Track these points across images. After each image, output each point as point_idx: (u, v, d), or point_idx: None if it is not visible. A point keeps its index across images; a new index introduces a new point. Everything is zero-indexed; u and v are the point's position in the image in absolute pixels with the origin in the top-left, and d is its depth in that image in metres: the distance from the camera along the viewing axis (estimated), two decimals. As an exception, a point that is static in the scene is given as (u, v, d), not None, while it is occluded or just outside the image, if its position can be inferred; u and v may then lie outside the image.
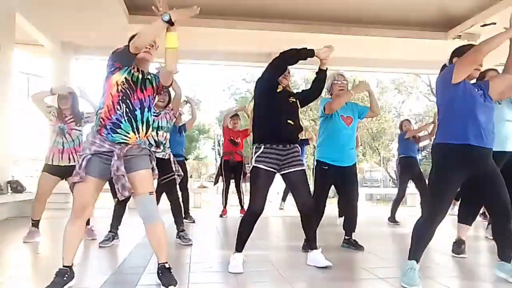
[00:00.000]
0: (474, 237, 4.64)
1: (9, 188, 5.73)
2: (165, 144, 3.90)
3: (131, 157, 2.41)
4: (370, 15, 6.84)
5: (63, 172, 4.00)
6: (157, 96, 2.61)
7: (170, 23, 2.25)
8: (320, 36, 7.31)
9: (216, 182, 6.92)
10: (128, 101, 2.36)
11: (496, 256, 2.68)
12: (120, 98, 2.35)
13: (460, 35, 6.97)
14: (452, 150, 2.52)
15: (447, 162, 2.55)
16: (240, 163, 6.38)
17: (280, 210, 7.50)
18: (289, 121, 2.97)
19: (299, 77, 23.42)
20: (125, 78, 2.37)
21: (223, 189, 6.61)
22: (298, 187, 3.00)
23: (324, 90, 3.63)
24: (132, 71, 2.41)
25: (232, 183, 6.59)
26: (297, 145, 3.08)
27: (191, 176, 11.05)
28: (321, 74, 3.23)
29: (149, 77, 2.49)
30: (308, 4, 6.52)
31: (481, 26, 6.54)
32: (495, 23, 6.40)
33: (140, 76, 2.43)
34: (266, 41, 7.69)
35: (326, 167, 3.62)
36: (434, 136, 2.90)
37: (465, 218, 3.51)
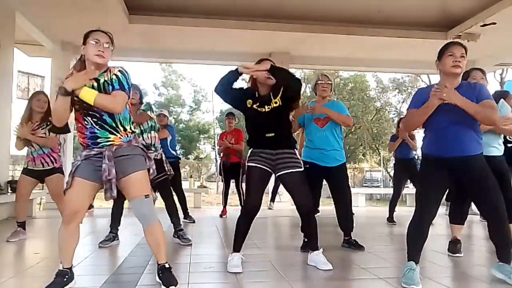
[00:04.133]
0: (473, 237, 4.65)
1: (9, 188, 5.74)
2: (155, 145, 3.86)
3: (124, 158, 2.36)
4: (370, 15, 6.84)
5: (40, 175, 4.13)
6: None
7: (69, 94, 2.19)
8: (320, 36, 7.32)
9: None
10: (90, 112, 2.32)
11: (495, 257, 2.68)
12: (82, 113, 2.34)
13: (460, 35, 6.97)
14: (428, 160, 2.70)
15: (426, 169, 2.72)
16: (238, 164, 6.37)
17: (277, 210, 7.50)
18: (268, 134, 2.93)
19: (299, 77, 23.43)
20: (76, 96, 2.26)
21: (223, 190, 6.62)
22: (294, 189, 2.99)
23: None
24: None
25: (232, 184, 6.60)
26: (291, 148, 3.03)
27: (191, 176, 11.02)
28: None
29: (106, 79, 2.35)
30: (308, 4, 6.52)
31: (481, 26, 6.54)
32: (495, 23, 6.40)
33: (96, 84, 2.34)
34: (266, 41, 7.69)
35: (308, 165, 3.59)
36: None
37: (456, 218, 3.54)
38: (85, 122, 2.34)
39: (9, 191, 5.71)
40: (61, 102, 2.24)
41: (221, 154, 6.69)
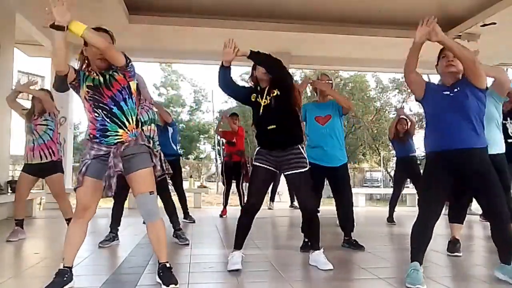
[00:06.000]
0: (472, 237, 4.65)
1: (9, 188, 5.74)
2: (153, 138, 3.78)
3: (131, 157, 2.41)
4: (370, 15, 6.84)
5: (38, 170, 4.12)
6: (130, 83, 2.46)
7: (60, 28, 2.11)
8: (320, 36, 7.32)
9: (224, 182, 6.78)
10: (101, 104, 2.37)
11: (494, 256, 2.68)
12: (93, 105, 2.37)
13: (460, 35, 6.97)
14: (430, 159, 2.70)
15: (428, 169, 2.71)
16: (239, 163, 6.38)
17: (277, 210, 7.50)
18: (269, 127, 2.92)
19: (299, 77, 23.44)
20: (87, 86, 2.38)
21: (224, 190, 6.62)
22: (298, 189, 3.00)
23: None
24: (91, 76, 2.39)
25: (233, 184, 6.60)
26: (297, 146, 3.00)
27: (190, 176, 11.02)
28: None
29: (110, 72, 2.41)
30: (308, 4, 6.52)
31: (481, 26, 6.53)
32: (495, 23, 6.40)
33: (101, 77, 2.39)
34: (266, 41, 7.68)
35: (310, 166, 3.61)
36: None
37: (456, 217, 3.57)
38: (96, 114, 2.37)
39: (9, 191, 5.71)
40: (57, 39, 2.15)
41: (224, 154, 6.72)
